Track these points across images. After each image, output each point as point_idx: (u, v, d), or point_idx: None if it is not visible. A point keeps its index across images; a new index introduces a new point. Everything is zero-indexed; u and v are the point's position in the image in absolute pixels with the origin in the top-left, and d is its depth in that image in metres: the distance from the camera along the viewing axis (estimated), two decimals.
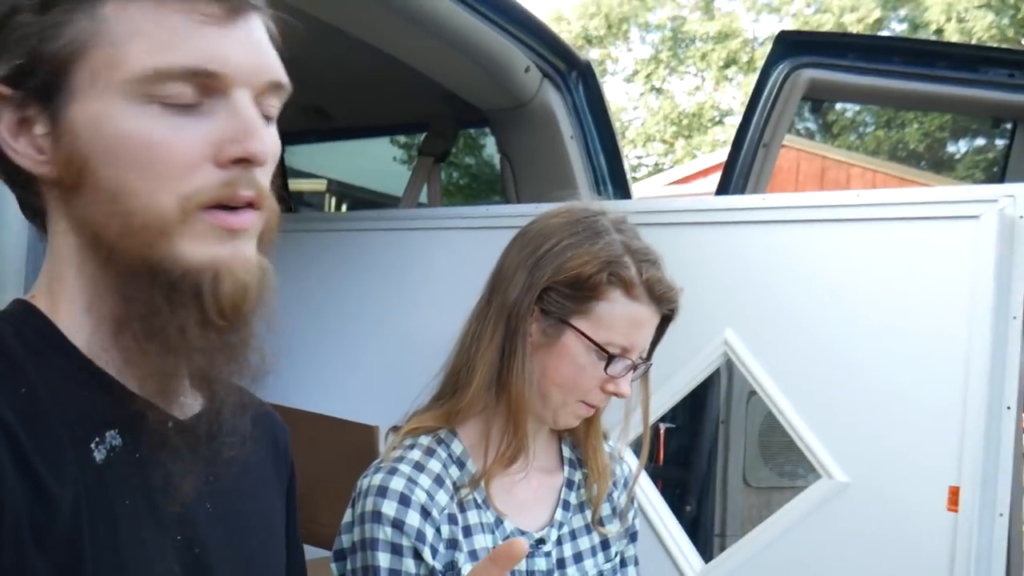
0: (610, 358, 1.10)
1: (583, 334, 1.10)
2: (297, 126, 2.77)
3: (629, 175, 2.17)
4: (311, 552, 2.11)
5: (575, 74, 2.08)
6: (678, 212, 1.83)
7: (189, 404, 0.70)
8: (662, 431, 2.12)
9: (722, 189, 1.99)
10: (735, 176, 1.95)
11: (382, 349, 2.27)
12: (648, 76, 18.40)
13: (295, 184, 3.55)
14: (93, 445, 0.61)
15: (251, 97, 0.63)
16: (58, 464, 0.59)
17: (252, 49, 0.64)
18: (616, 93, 19.11)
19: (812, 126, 13.41)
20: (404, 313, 2.25)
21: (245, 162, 0.62)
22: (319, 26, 1.78)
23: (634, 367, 1.13)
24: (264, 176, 0.65)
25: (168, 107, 0.61)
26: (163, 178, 0.61)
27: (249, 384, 0.72)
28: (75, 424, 0.61)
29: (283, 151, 2.41)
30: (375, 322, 2.31)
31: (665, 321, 1.18)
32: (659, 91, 18.61)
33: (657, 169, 17.10)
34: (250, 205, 0.64)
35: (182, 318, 0.62)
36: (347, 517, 1.11)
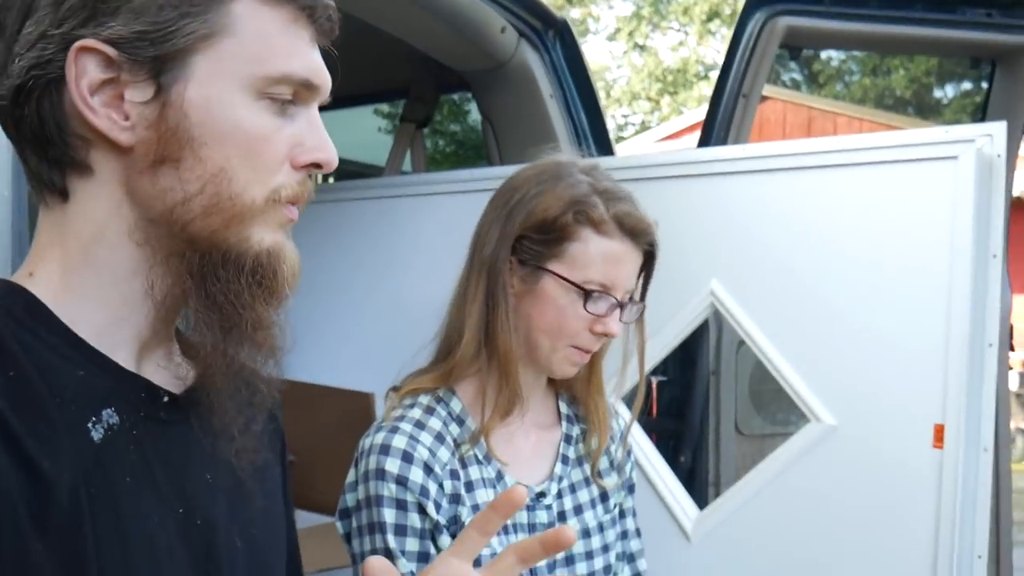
0: (587, 295, 1.11)
1: (559, 276, 1.11)
2: None
3: (612, 133, 2.17)
4: (312, 519, 2.15)
5: (552, 33, 2.07)
6: (660, 166, 1.83)
7: (182, 377, 0.71)
8: (654, 384, 2.15)
9: (704, 141, 1.99)
10: (716, 128, 1.95)
11: (374, 317, 2.28)
12: (631, 33, 18.22)
13: None
14: (90, 425, 0.61)
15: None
16: (53, 447, 0.58)
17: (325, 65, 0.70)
18: (599, 52, 18.98)
19: (798, 77, 13.34)
20: (395, 281, 2.26)
21: (316, 167, 0.68)
22: None
23: (620, 306, 1.14)
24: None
25: (274, 106, 0.66)
26: (261, 169, 0.66)
27: (276, 358, 0.75)
28: (71, 405, 0.61)
29: None
30: (366, 291, 2.32)
31: (649, 259, 1.19)
32: (642, 48, 18.45)
33: (644, 127, 17.02)
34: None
35: (254, 294, 0.67)
36: (350, 477, 1.13)
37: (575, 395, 1.28)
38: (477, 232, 1.18)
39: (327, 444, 2.10)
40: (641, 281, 1.21)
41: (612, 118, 18.32)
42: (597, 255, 1.12)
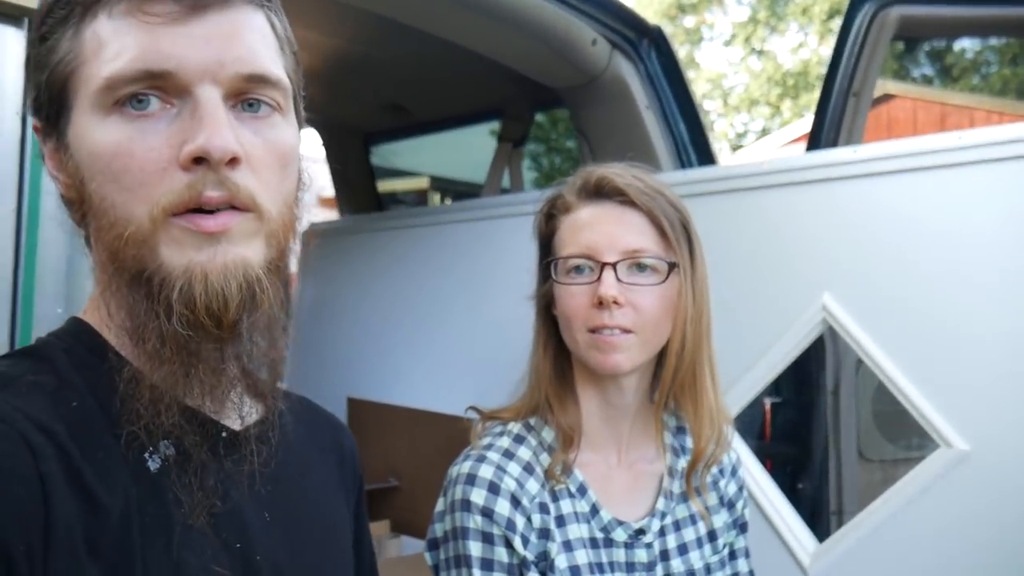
0: (551, 265, 1.11)
1: (551, 260, 1.12)
2: (379, 125, 2.80)
3: (732, 141, 2.07)
4: (415, 545, 2.14)
5: (646, 42, 2.00)
6: (764, 174, 1.73)
7: (246, 414, 0.70)
8: (767, 406, 2.02)
9: (812, 144, 1.86)
10: (825, 130, 1.82)
11: (475, 340, 2.26)
12: (747, 39, 17.73)
13: (396, 184, 3.60)
14: (147, 455, 0.63)
15: (219, 93, 0.62)
16: (109, 475, 0.60)
17: (215, 43, 0.62)
18: (715, 59, 18.56)
19: (929, 71, 12.59)
20: (495, 302, 2.23)
21: (204, 160, 0.60)
22: (390, 25, 1.78)
23: (612, 267, 1.06)
24: (246, 175, 0.63)
25: (130, 115, 0.61)
26: (134, 187, 0.61)
27: (258, 396, 0.71)
28: (129, 435, 0.62)
29: (368, 151, 2.42)
30: (466, 314, 2.30)
31: (650, 215, 1.09)
32: (760, 52, 17.92)
33: (765, 133, 16.49)
34: (234, 207, 0.62)
35: (161, 327, 0.61)
36: (439, 506, 1.10)
37: (682, 417, 1.19)
38: None
39: (429, 469, 2.08)
40: (663, 238, 1.09)
41: (731, 126, 17.85)
42: (567, 230, 1.11)
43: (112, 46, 0.61)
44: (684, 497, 1.16)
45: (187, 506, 0.62)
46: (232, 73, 0.62)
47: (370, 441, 2.41)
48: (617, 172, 1.11)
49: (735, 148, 16.55)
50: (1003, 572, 1.37)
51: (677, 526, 1.15)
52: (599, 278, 1.05)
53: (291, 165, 0.68)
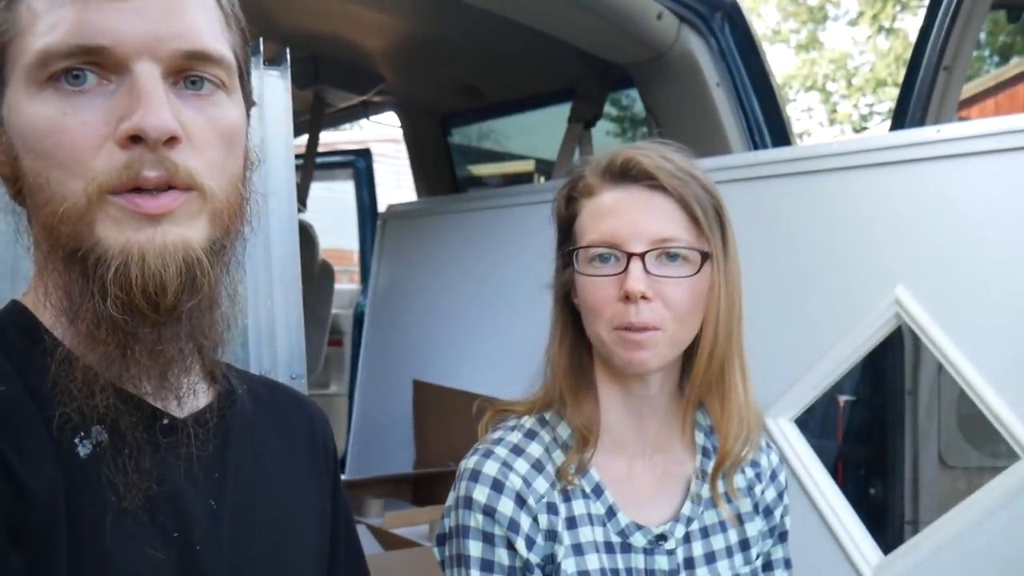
0: (571, 255, 1.00)
1: (574, 249, 1.02)
2: (453, 106, 2.79)
3: (855, 123, 1.95)
4: None
5: (719, 15, 1.89)
6: (837, 155, 1.61)
7: (189, 399, 0.68)
8: (841, 404, 1.89)
9: (897, 123, 1.72)
10: (911, 108, 1.68)
11: (539, 325, 2.21)
12: (875, 16, 16.82)
13: (501, 167, 3.58)
14: (77, 440, 0.61)
15: (159, 70, 0.60)
16: (36, 460, 0.58)
17: (154, 19, 0.60)
18: (840, 39, 17.71)
19: None
20: None
21: (141, 139, 0.58)
22: (460, 6, 1.76)
23: (640, 258, 0.96)
24: (187, 154, 0.60)
25: (65, 91, 0.59)
26: (68, 163, 0.59)
27: (203, 380, 0.69)
28: (60, 419, 0.60)
29: (447, 133, 2.42)
30: (533, 298, 2.25)
31: (681, 201, 0.98)
32: (889, 31, 16.97)
33: (891, 115, 15.65)
34: (173, 187, 0.60)
35: (96, 308, 0.59)
36: (449, 500, 1.06)
37: (713, 418, 1.11)
38: None
39: None
40: (697, 226, 1.00)
41: (855, 107, 17.03)
42: (589, 216, 1.00)
43: (46, 19, 0.59)
44: (714, 502, 1.08)
45: (121, 488, 0.61)
46: (172, 50, 0.60)
47: (431, 424, 2.40)
48: (645, 153, 1.02)
49: (858, 130, 15.77)
50: None
51: (705, 532, 1.06)
52: (626, 270, 0.96)
53: (236, 144, 0.65)
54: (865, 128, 15.53)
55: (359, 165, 3.99)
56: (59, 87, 0.59)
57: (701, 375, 1.01)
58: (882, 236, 1.52)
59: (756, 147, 1.90)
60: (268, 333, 1.38)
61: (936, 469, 1.77)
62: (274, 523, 0.72)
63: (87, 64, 0.59)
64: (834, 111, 16.88)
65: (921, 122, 1.67)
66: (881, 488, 1.79)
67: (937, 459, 1.78)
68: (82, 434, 0.61)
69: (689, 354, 1.04)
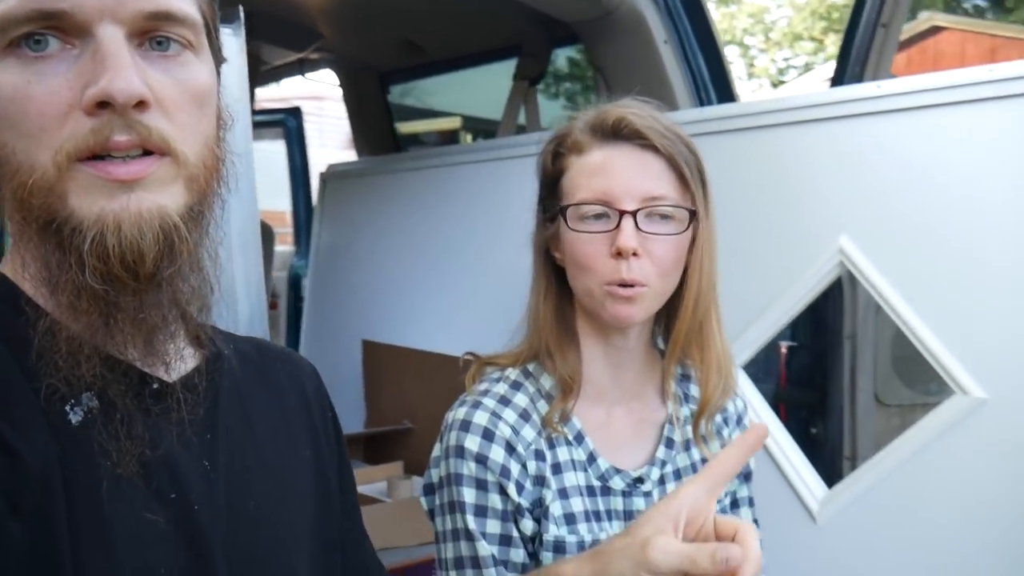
0: (563, 211, 1.03)
1: (556, 212, 1.06)
2: (393, 63, 2.75)
3: (773, 77, 2.00)
4: None
5: None
6: (784, 111, 1.66)
7: (177, 363, 0.68)
8: (783, 350, 1.98)
9: (837, 79, 1.78)
10: (851, 63, 1.74)
11: (489, 283, 2.24)
12: None
13: (428, 124, 3.55)
14: (68, 407, 0.61)
15: (123, 32, 0.58)
16: (28, 430, 0.58)
17: None
18: None
19: (981, 2, 12.04)
20: (508, 243, 2.19)
21: (109, 105, 0.57)
22: None
23: (632, 216, 1.00)
24: (158, 118, 0.60)
25: (27, 58, 0.57)
26: (34, 132, 0.58)
27: (189, 343, 0.70)
28: (48, 388, 0.60)
29: (386, 91, 2.37)
30: (480, 255, 2.28)
31: (670, 160, 1.02)
32: None
33: (808, 68, 16.00)
34: (149, 152, 0.59)
35: (75, 278, 0.59)
36: (435, 451, 1.09)
37: (691, 365, 1.15)
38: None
39: (443, 412, 2.09)
40: (682, 184, 1.04)
41: (772, 61, 17.34)
42: (580, 172, 1.03)
43: None
44: (686, 446, 1.14)
45: (115, 455, 0.61)
46: (133, 11, 0.59)
47: (384, 383, 2.42)
48: (636, 112, 1.03)
49: (775, 84, 16.10)
50: (1015, 522, 1.34)
51: (678, 475, 1.13)
52: (618, 227, 1.00)
53: (208, 105, 0.64)
54: (783, 82, 15.85)
55: (289, 124, 3.91)
56: (21, 54, 0.58)
57: (685, 327, 1.06)
58: (826, 189, 1.58)
59: (702, 103, 1.94)
60: (229, 295, 1.38)
61: (873, 408, 1.88)
62: (267, 480, 0.72)
63: (48, 29, 0.57)
64: (752, 65, 17.14)
65: (860, 78, 1.73)
66: (822, 427, 1.90)
67: (873, 398, 1.89)
68: (72, 402, 0.61)
69: (666, 306, 1.09)
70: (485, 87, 3.10)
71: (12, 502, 0.56)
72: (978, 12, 11.29)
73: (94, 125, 0.57)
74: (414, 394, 2.20)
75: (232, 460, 0.70)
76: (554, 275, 1.10)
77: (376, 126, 2.87)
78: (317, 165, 3.34)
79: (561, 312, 1.09)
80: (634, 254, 0.99)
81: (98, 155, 0.58)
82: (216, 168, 0.66)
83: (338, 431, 0.84)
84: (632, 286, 1.00)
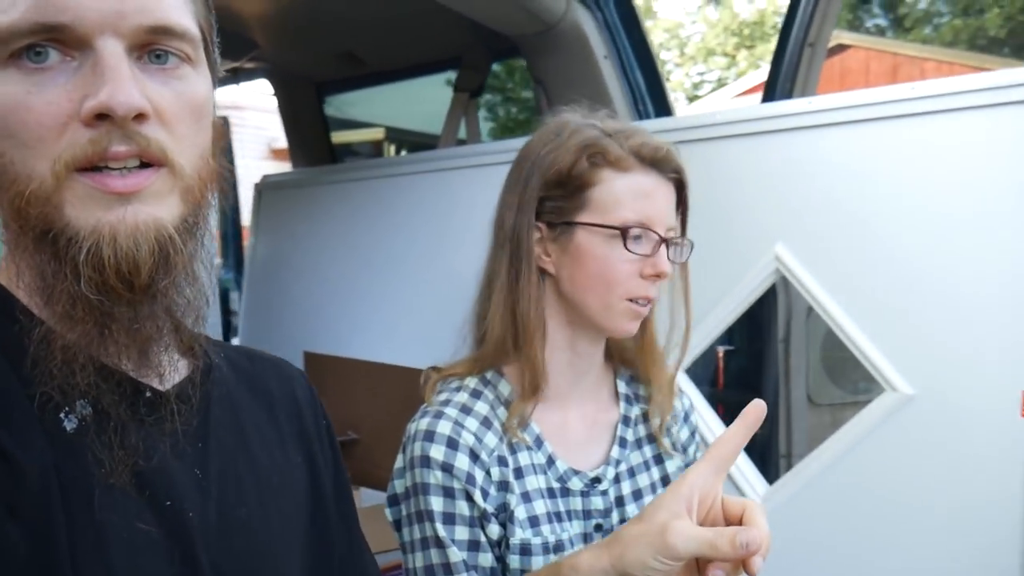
0: (624, 233, 1.04)
1: (592, 224, 1.06)
2: (332, 74, 2.74)
3: (688, 92, 2.08)
4: (375, 496, 2.15)
5: None
6: (721, 125, 1.74)
7: (170, 372, 0.68)
8: (720, 354, 2.06)
9: (768, 96, 1.87)
10: (780, 81, 1.83)
11: (431, 292, 2.26)
12: None
13: (351, 135, 3.54)
14: (63, 415, 0.61)
15: (122, 46, 0.59)
16: (25, 436, 0.59)
17: None
18: (672, 9, 18.45)
19: (883, 22, 12.65)
20: (450, 253, 2.22)
21: (108, 117, 0.58)
22: None
23: (664, 242, 1.06)
24: (156, 129, 0.61)
25: (27, 69, 0.58)
26: (32, 143, 0.58)
27: (182, 353, 0.70)
28: (43, 396, 0.60)
29: (323, 101, 2.35)
30: (423, 265, 2.29)
31: (681, 191, 1.11)
32: (717, 2, 17.85)
33: (721, 84, 16.51)
34: (147, 164, 0.60)
35: (70, 289, 0.59)
36: (398, 462, 1.10)
37: (634, 370, 1.21)
38: (497, 210, 1.12)
39: (388, 422, 2.10)
40: (680, 216, 1.13)
41: (687, 76, 17.83)
42: (625, 192, 1.05)
43: None
44: (638, 444, 1.19)
45: (108, 465, 0.61)
46: (134, 25, 0.59)
47: (328, 395, 2.39)
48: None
49: (691, 99, 16.56)
50: (944, 510, 1.44)
51: (632, 472, 1.17)
52: (656, 251, 1.05)
53: (204, 117, 0.65)
54: (698, 97, 16.33)
55: None
56: (21, 65, 0.58)
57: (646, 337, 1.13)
58: (762, 199, 1.67)
59: (640, 116, 2.01)
60: None
61: (805, 407, 1.97)
62: (260, 488, 0.73)
63: (49, 41, 0.58)
64: (667, 79, 17.58)
65: (790, 94, 1.83)
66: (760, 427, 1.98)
67: (806, 398, 1.98)
68: (67, 409, 0.61)
69: None
70: (422, 99, 3.13)
71: (9, 506, 0.56)
72: (880, 31, 11.88)
73: (93, 136, 0.58)
74: (358, 405, 2.20)
75: (224, 469, 0.70)
76: (542, 284, 1.10)
77: (312, 136, 2.85)
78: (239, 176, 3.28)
79: (544, 319, 1.11)
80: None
81: (96, 166, 0.59)
82: (210, 179, 0.67)
83: (332, 439, 0.84)
84: (648, 302, 1.07)
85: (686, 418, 1.27)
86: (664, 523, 0.71)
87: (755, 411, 0.77)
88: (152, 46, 0.61)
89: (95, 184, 0.59)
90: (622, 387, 1.20)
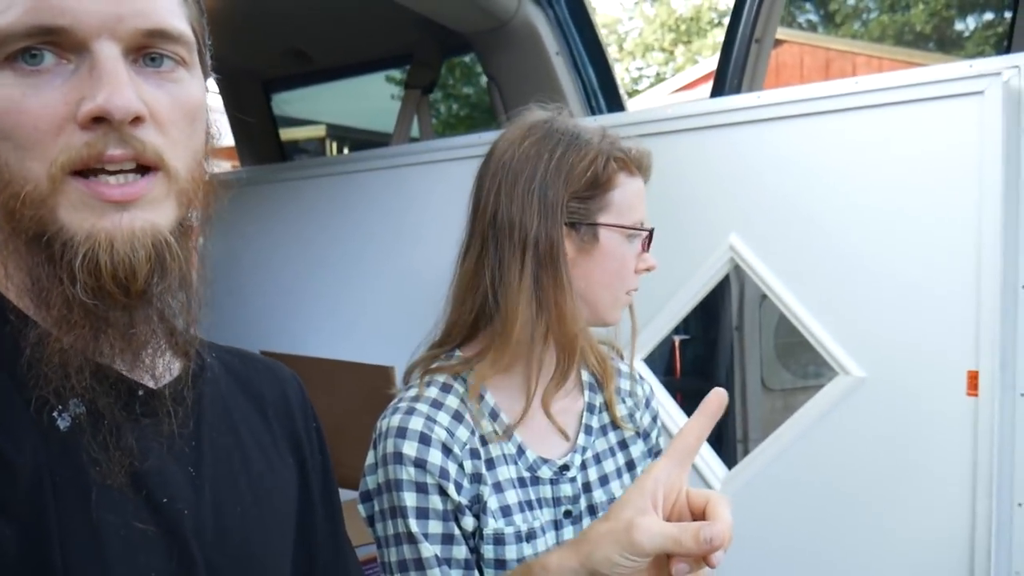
0: (650, 235, 1.17)
1: (616, 226, 1.13)
2: (279, 72, 2.71)
3: (627, 87, 2.11)
4: (340, 493, 2.14)
5: None
6: (673, 119, 1.78)
7: (163, 372, 0.68)
8: (676, 343, 2.10)
9: (717, 90, 1.92)
10: (729, 76, 1.88)
11: (388, 289, 2.26)
12: None
13: (292, 132, 3.49)
14: (56, 414, 0.61)
15: (119, 49, 0.60)
16: (17, 435, 0.59)
17: None
18: (610, 5, 18.62)
19: (814, 18, 12.98)
20: (406, 250, 2.23)
21: (104, 120, 0.58)
22: None
23: (649, 239, 1.18)
24: (151, 132, 0.61)
25: (23, 71, 0.58)
26: (28, 145, 0.58)
27: (176, 354, 0.70)
28: (36, 395, 0.60)
29: (269, 99, 2.32)
30: (378, 262, 2.29)
31: None
32: None
33: (659, 79, 16.73)
34: (142, 167, 0.60)
35: (66, 292, 0.59)
36: (370, 459, 1.10)
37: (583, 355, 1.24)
38: (497, 216, 1.11)
39: (349, 419, 2.09)
40: None
41: (626, 71, 18.04)
42: (634, 196, 1.15)
43: None
44: (603, 431, 1.22)
45: (104, 465, 0.61)
46: (131, 28, 0.60)
47: None
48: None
49: (631, 94, 16.74)
50: (896, 488, 1.50)
51: (598, 459, 1.19)
52: (647, 247, 1.17)
53: (198, 120, 0.66)
54: (637, 91, 16.51)
55: None
56: (16, 67, 0.58)
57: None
58: (715, 192, 1.71)
59: (593, 112, 2.04)
60: None
61: (760, 392, 2.03)
62: (251, 488, 0.73)
63: (45, 44, 0.58)
64: None
65: (739, 89, 1.88)
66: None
67: (760, 384, 2.04)
68: (60, 408, 0.61)
69: None
70: (373, 96, 3.11)
71: (1, 505, 0.56)
72: (812, 27, 12.18)
73: (89, 139, 0.58)
74: (317, 403, 2.17)
75: (218, 467, 0.70)
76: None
77: (261, 135, 2.82)
78: None
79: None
80: None
81: (91, 168, 0.59)
82: (203, 182, 0.67)
83: (322, 442, 0.85)
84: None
85: (647, 404, 1.30)
86: (630, 520, 0.72)
87: (716, 400, 0.77)
88: (148, 49, 0.62)
89: (90, 192, 0.59)
90: (585, 375, 1.23)
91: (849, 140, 1.56)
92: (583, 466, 1.17)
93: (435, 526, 1.04)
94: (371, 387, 2.15)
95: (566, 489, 1.14)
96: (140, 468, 0.63)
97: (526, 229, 1.09)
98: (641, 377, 1.30)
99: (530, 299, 1.09)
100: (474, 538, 1.07)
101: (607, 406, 1.22)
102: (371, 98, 3.20)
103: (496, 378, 1.13)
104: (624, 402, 1.26)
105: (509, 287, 1.09)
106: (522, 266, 1.09)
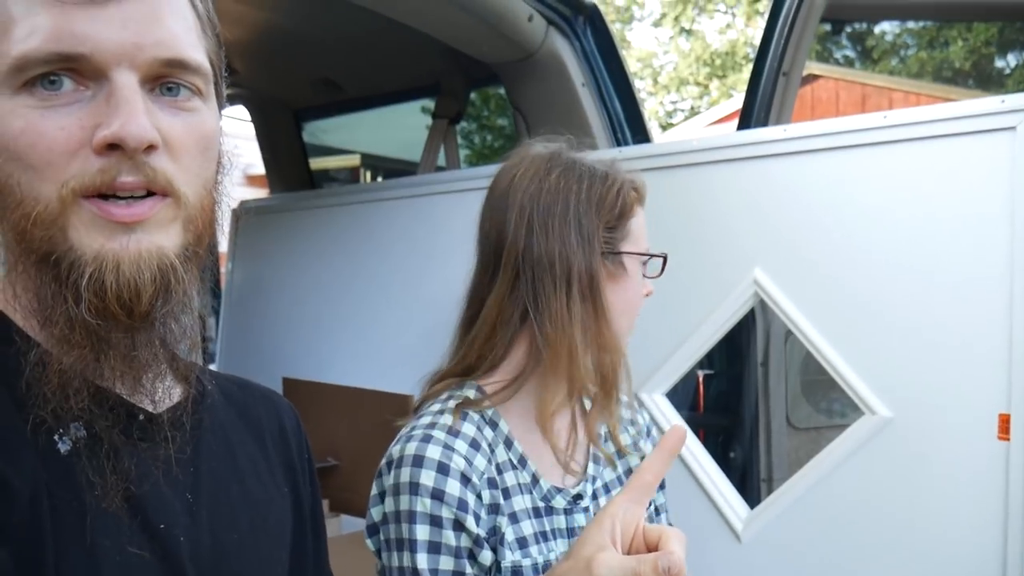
0: (664, 260, 1.19)
1: (640, 254, 1.16)
2: (311, 101, 2.75)
3: (661, 120, 2.11)
4: (355, 523, 2.13)
5: (582, 19, 2.01)
6: (699, 151, 1.76)
7: (163, 397, 0.68)
8: (700, 378, 2.07)
9: (744, 123, 1.91)
10: (756, 109, 1.87)
11: (412, 318, 2.25)
12: (676, 18, 17.94)
13: (322, 161, 3.54)
14: (56, 437, 0.61)
15: (136, 78, 0.61)
16: (17, 457, 0.59)
17: (133, 27, 0.60)
18: (645, 38, 18.72)
19: (851, 53, 12.92)
20: (431, 279, 2.22)
21: (118, 147, 0.59)
22: None
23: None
24: (164, 160, 0.61)
25: (41, 96, 0.59)
26: (41, 166, 0.59)
27: (176, 379, 0.71)
28: (35, 416, 0.60)
29: (300, 127, 2.35)
30: (403, 291, 2.29)
31: None
32: (689, 32, 18.15)
33: (694, 112, 16.74)
34: (152, 193, 0.61)
35: (70, 312, 0.60)
36: (375, 489, 1.08)
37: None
38: (533, 247, 1.09)
39: (369, 448, 2.08)
40: None
41: (660, 105, 18.06)
42: (643, 225, 1.18)
43: (23, 24, 0.59)
44: (609, 460, 1.20)
45: (100, 489, 0.61)
46: (150, 58, 0.61)
47: (307, 421, 2.37)
48: None
49: (665, 127, 16.76)
50: (924, 532, 1.45)
51: (607, 488, 1.17)
52: (660, 273, 1.21)
53: (211, 149, 0.67)
54: (672, 124, 16.53)
55: None
56: (35, 92, 0.59)
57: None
58: (740, 225, 1.69)
59: (619, 143, 2.03)
60: None
61: (785, 431, 1.98)
62: (248, 514, 0.73)
63: (64, 70, 0.59)
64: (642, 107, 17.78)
65: (765, 122, 1.86)
66: (740, 451, 1.99)
67: (786, 422, 1.99)
68: (60, 431, 0.61)
69: None
70: (401, 125, 3.14)
71: (0, 528, 0.56)
72: (848, 62, 12.13)
73: (102, 165, 0.59)
74: (338, 431, 2.18)
75: (216, 495, 0.70)
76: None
77: (291, 163, 2.85)
78: None
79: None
80: None
81: (103, 194, 0.60)
82: (213, 210, 0.68)
83: (312, 474, 0.85)
84: None
85: (648, 433, 1.29)
86: (589, 557, 0.72)
87: (674, 437, 0.76)
88: (165, 79, 0.63)
89: (100, 212, 0.59)
90: (588, 405, 1.21)
91: (877, 175, 1.53)
92: (594, 496, 1.15)
93: (446, 562, 1.01)
94: (391, 415, 2.15)
95: (580, 519, 1.12)
96: (137, 493, 0.63)
97: (568, 262, 1.08)
98: (640, 406, 1.30)
99: (583, 331, 1.09)
100: (490, 573, 1.04)
101: (611, 435, 1.20)
102: (400, 128, 3.23)
103: (508, 404, 1.11)
104: (627, 430, 1.24)
105: (558, 320, 1.08)
106: (568, 299, 1.08)
